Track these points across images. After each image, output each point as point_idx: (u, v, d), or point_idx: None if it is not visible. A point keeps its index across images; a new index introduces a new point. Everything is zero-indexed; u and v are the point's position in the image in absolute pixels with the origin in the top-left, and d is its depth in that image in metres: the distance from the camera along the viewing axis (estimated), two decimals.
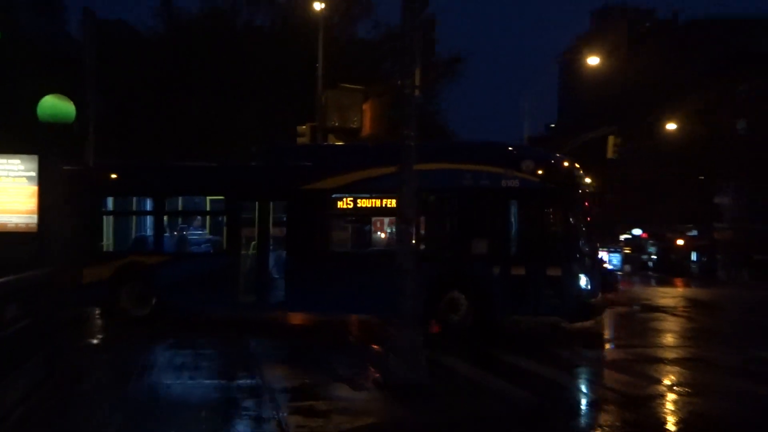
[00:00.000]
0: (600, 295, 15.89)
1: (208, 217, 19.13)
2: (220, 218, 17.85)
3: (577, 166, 15.76)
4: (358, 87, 23.40)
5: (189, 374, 11.30)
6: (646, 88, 68.79)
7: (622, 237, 60.79)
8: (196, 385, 10.46)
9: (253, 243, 16.63)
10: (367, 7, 38.28)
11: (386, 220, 16.70)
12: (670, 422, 9.51)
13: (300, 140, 23.78)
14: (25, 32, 34.48)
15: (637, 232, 61.22)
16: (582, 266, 14.84)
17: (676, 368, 12.86)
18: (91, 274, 16.51)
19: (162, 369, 11.64)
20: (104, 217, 17.76)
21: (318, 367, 11.26)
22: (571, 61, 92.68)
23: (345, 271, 15.54)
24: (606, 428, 9.32)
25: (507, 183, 14.87)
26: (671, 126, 49.55)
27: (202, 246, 18.77)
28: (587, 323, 15.89)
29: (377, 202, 16.05)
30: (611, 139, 28.10)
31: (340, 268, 15.66)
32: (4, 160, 9.86)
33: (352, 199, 16.00)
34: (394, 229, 16.21)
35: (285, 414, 8.33)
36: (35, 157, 9.66)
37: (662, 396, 10.95)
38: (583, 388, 10.91)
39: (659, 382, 11.80)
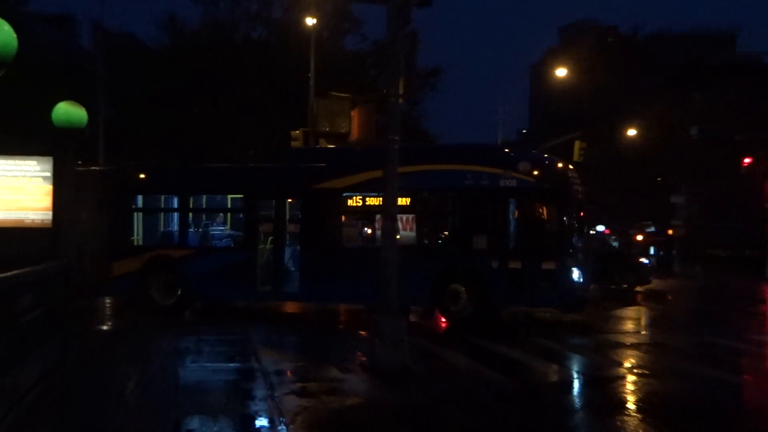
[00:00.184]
0: (590, 286, 15.95)
1: (229, 214, 19.08)
2: (240, 215, 17.82)
3: (570, 167, 15.74)
4: (347, 95, 23.31)
5: (193, 358, 11.29)
6: (609, 97, 69.04)
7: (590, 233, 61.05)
8: (198, 368, 10.46)
9: (270, 238, 16.67)
10: (355, 22, 38.32)
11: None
12: (630, 401, 9.54)
13: (293, 144, 23.76)
14: (41, 45, 34.31)
15: (600, 228, 61.41)
16: (575, 260, 14.84)
17: (636, 352, 12.92)
18: (122, 266, 16.64)
19: (168, 354, 11.62)
20: (134, 214, 17.76)
21: (310, 352, 11.24)
22: (541, 73, 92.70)
23: (354, 264, 15.41)
24: (570, 406, 9.36)
25: (505, 183, 14.86)
26: (632, 132, 49.72)
27: (224, 241, 18.72)
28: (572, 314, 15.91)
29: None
30: (577, 144, 28.14)
31: (350, 261, 15.59)
32: (21, 161, 9.78)
33: (361, 197, 16.03)
34: (398, 226, 16.57)
35: (279, 394, 8.31)
36: (50, 159, 9.59)
37: (624, 377, 11.00)
38: (553, 371, 10.92)
39: (621, 365, 11.86)
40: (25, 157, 9.81)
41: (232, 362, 10.45)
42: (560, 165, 15.52)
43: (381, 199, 15.75)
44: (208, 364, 10.66)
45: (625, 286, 24.92)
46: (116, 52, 36.35)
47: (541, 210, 15.02)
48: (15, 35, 5.79)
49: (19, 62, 6.22)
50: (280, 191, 16.66)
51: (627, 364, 11.84)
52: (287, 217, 16.69)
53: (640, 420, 8.40)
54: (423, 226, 16.02)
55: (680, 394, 10.04)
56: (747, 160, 41.43)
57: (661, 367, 11.64)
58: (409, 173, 15.50)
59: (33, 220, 9.75)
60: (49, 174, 9.65)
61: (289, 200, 16.65)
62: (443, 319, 15.54)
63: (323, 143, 23.31)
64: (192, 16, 57.75)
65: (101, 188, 17.14)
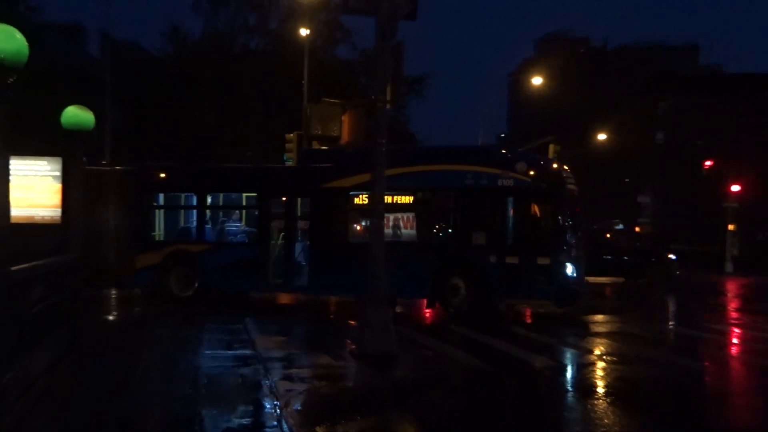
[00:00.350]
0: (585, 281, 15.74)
1: (244, 212, 19.00)
2: (254, 212, 17.67)
3: (565, 168, 15.61)
4: (338, 101, 23.39)
5: (194, 346, 11.25)
6: (581, 104, 69.34)
7: None
8: (198, 355, 10.43)
9: (282, 234, 16.56)
10: (346, 32, 38.36)
11: (396, 215, 16.47)
12: (600, 386, 9.58)
13: (288, 146, 23.74)
14: (52, 53, 34.11)
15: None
16: (569, 256, 14.67)
17: (605, 340, 12.96)
18: (144, 260, 16.60)
19: (170, 342, 11.59)
20: (155, 211, 17.75)
21: (304, 340, 11.23)
22: (518, 81, 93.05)
23: (360, 259, 15.29)
24: (544, 390, 9.38)
25: (503, 182, 14.71)
26: (602, 136, 49.97)
27: (239, 236, 18.72)
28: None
29: (389, 199, 15.78)
30: (552, 147, 28.15)
31: (355, 256, 15.35)
32: (32, 161, 9.74)
33: (367, 195, 15.88)
34: (400, 223, 16.47)
35: (275, 379, 8.29)
36: (59, 159, 9.55)
37: (593, 364, 11.03)
38: (531, 359, 10.93)
39: (592, 352, 11.89)
40: (36, 157, 9.77)
41: (230, 350, 10.42)
42: (555, 165, 15.43)
43: (386, 197, 15.84)
44: (209, 352, 10.62)
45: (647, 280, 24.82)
46: (122, 60, 36.26)
47: (537, 208, 14.88)
48: (26, 43, 5.74)
49: (31, 69, 6.17)
50: (291, 190, 16.56)
51: (597, 352, 11.87)
52: (298, 214, 16.60)
53: (608, 403, 8.45)
54: (425, 224, 15.89)
55: (646, 379, 10.09)
56: (708, 163, 41.70)
57: (629, 355, 11.69)
58: (411, 173, 15.52)
59: (43, 216, 9.71)
60: (58, 173, 9.60)
61: (300, 198, 16.54)
62: (428, 311, 15.54)
63: (316, 145, 23.31)
64: (194, 27, 57.70)
65: (125, 187, 17.11)
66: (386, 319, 9.91)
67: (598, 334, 13.67)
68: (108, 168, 17.82)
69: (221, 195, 18.65)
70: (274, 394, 7.52)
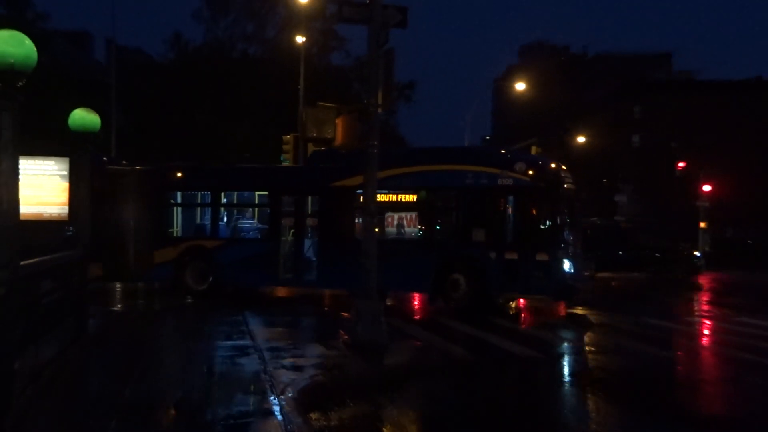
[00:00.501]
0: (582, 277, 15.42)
1: (256, 209, 18.90)
2: (265, 210, 17.57)
3: (563, 168, 15.39)
4: (332, 105, 23.36)
5: (195, 337, 11.23)
6: (562, 108, 69.45)
7: None
8: (199, 345, 10.41)
9: (292, 231, 16.44)
10: (340, 41, 38.35)
11: (400, 212, 16.41)
12: (581, 372, 9.65)
13: (285, 147, 23.72)
14: (60, 58, 33.98)
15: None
16: (565, 253, 14.40)
17: (580, 330, 13.01)
18: (161, 255, 16.58)
19: (174, 333, 11.58)
20: (172, 209, 17.69)
21: (300, 331, 11.22)
22: (503, 86, 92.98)
23: None
24: (525, 378, 9.42)
25: (502, 182, 14.51)
26: (581, 138, 50.08)
27: (251, 233, 18.62)
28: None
29: (394, 198, 15.86)
30: (534, 149, 28.15)
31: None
32: (41, 161, 9.74)
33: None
34: (404, 221, 16.35)
35: (271, 368, 8.29)
36: (67, 159, 9.56)
37: (573, 354, 11.10)
38: (514, 349, 10.96)
39: (571, 342, 11.95)
40: (44, 157, 9.77)
41: (230, 340, 10.40)
42: (553, 165, 15.15)
43: (389, 196, 15.71)
44: (210, 342, 10.59)
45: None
46: (127, 65, 36.23)
47: (535, 206, 14.59)
48: (35, 49, 5.72)
49: (40, 73, 6.15)
50: (301, 189, 16.52)
51: (577, 343, 11.92)
52: (307, 212, 16.50)
53: (585, 389, 8.49)
54: (427, 221, 15.76)
55: (623, 368, 10.16)
56: (681, 164, 41.93)
57: (607, 345, 11.75)
58: (415, 173, 15.42)
59: (51, 213, 9.71)
60: (65, 173, 9.61)
61: (309, 197, 16.43)
62: (417, 304, 15.53)
63: (311, 147, 23.29)
64: (195, 34, 57.44)
65: (144, 185, 17.08)
66: (377, 311, 9.92)
67: (583, 327, 13.63)
68: (128, 168, 17.77)
69: (235, 193, 18.48)
70: (271, 382, 7.52)
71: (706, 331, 14.36)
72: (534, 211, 14.61)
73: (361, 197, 15.54)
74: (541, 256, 14.13)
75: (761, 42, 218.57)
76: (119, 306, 15.78)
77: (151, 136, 33.76)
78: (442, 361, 9.66)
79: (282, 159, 23.81)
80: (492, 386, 8.87)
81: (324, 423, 6.65)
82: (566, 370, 10.01)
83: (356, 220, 15.89)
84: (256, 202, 18.39)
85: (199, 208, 18.37)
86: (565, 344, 11.64)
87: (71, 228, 9.61)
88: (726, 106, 56.49)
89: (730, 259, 32.26)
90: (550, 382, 9.31)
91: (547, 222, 14.46)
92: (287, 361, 8.69)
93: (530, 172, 14.42)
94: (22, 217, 5.97)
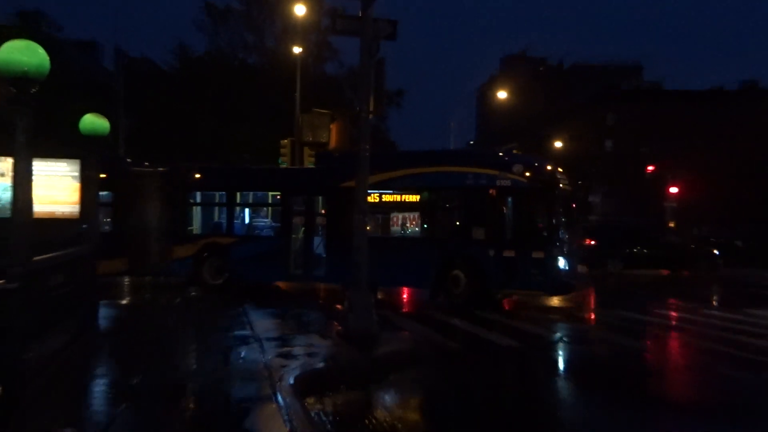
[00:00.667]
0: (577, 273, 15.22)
1: (269, 208, 18.76)
2: (277, 209, 17.43)
3: (559, 169, 15.20)
4: (327, 111, 23.37)
5: (198, 327, 11.20)
6: (540, 115, 69.74)
7: None
8: (202, 335, 10.38)
9: (302, 229, 16.32)
10: (334, 51, 38.35)
11: (403, 212, 16.25)
12: (560, 361, 9.68)
13: (282, 150, 23.67)
14: (71, 66, 33.80)
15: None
16: (561, 250, 14.21)
17: (564, 323, 13.03)
18: (180, 251, 16.52)
19: (177, 324, 11.53)
20: (190, 207, 17.60)
21: (296, 322, 11.19)
22: (486, 94, 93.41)
23: (372, 252, 15.00)
24: (505, 366, 9.44)
25: (501, 182, 14.38)
26: (558, 143, 50.26)
27: (264, 231, 18.46)
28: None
29: (397, 197, 15.69)
30: (514, 152, 28.24)
31: (368, 249, 15.16)
32: (53, 163, 9.65)
33: (378, 194, 15.55)
34: (408, 220, 16.24)
35: (269, 357, 8.27)
36: (78, 161, 9.48)
37: (554, 344, 11.13)
38: (498, 340, 10.99)
39: (553, 333, 11.99)
40: (56, 159, 9.68)
41: (232, 331, 10.36)
42: (549, 167, 14.95)
43: (393, 195, 15.61)
44: (213, 333, 10.54)
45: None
46: (134, 72, 36.00)
47: (532, 206, 14.38)
48: (48, 58, 5.70)
49: (52, 80, 6.12)
50: (310, 189, 16.36)
51: (557, 334, 11.95)
52: (316, 211, 16.34)
53: (560, 376, 8.52)
54: (429, 220, 15.57)
55: (599, 357, 10.21)
56: (650, 168, 42.15)
57: (586, 337, 11.81)
58: (417, 174, 15.32)
59: (63, 212, 9.62)
60: (77, 173, 9.53)
61: (318, 197, 16.25)
62: (406, 296, 15.50)
63: (307, 150, 23.26)
64: (198, 44, 57.20)
65: (165, 185, 16.99)
66: (368, 304, 9.91)
67: (565, 320, 13.62)
68: (151, 169, 17.72)
69: (249, 193, 18.34)
70: (270, 370, 7.50)
71: (682, 324, 14.40)
72: (531, 211, 14.42)
73: (368, 197, 15.60)
74: (538, 254, 13.96)
75: (723, 54, 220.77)
76: (127, 299, 15.69)
77: (156, 138, 33.63)
78: (428, 350, 9.67)
79: (279, 161, 23.75)
80: (473, 373, 8.92)
81: (319, 407, 6.66)
82: (543, 359, 10.03)
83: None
84: (269, 201, 18.29)
85: (216, 207, 18.26)
86: (546, 336, 11.64)
87: (84, 225, 9.54)
88: (691, 114, 56.91)
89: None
90: (526, 369, 9.35)
91: (544, 221, 14.28)
92: (284, 350, 8.66)
93: (527, 174, 14.30)
94: (35, 215, 5.94)
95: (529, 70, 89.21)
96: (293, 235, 16.32)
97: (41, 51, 5.64)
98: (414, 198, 15.56)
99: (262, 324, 10.76)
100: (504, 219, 14.56)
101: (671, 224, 35.05)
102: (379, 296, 14.66)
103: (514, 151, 26.83)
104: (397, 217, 16.53)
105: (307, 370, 7.59)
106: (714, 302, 17.51)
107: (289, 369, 7.50)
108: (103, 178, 17.08)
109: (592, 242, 25.44)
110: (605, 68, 79.44)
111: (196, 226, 17.75)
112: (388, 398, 7.52)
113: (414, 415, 6.92)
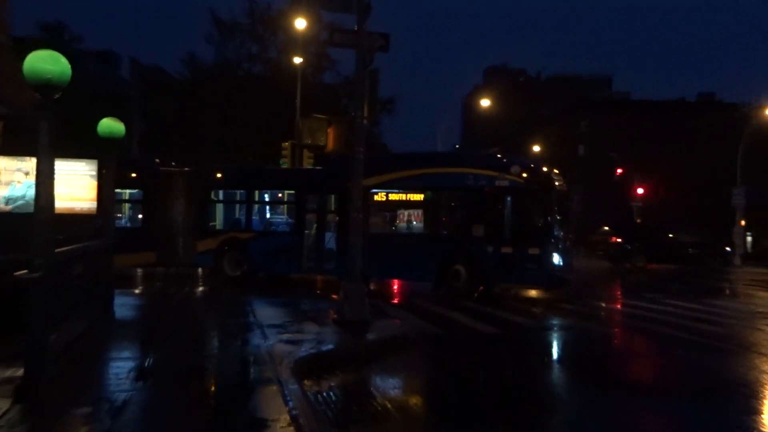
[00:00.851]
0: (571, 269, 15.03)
1: (285, 206, 18.71)
2: (292, 207, 17.35)
3: (555, 171, 15.02)
4: (324, 116, 23.35)
5: (204, 315, 11.17)
6: (520, 122, 69.88)
7: None
8: (208, 321, 10.37)
9: (315, 225, 16.26)
10: (332, 62, 38.33)
11: (408, 210, 16.15)
12: (535, 346, 9.71)
13: (284, 153, 23.63)
14: (90, 74, 33.68)
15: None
16: (556, 247, 14.01)
17: (543, 314, 13.07)
18: (203, 245, 16.58)
19: (184, 312, 11.51)
20: (213, 204, 17.59)
21: (295, 311, 11.19)
22: (470, 103, 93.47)
23: (378, 246, 14.71)
24: (485, 350, 9.47)
25: (499, 183, 14.27)
26: (536, 148, 50.35)
27: (280, 227, 18.37)
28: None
29: (403, 196, 15.66)
30: None
31: (374, 244, 14.66)
32: (73, 163, 9.64)
33: (384, 193, 15.61)
34: (412, 217, 16.17)
35: (271, 342, 8.27)
36: (95, 161, 9.46)
37: (529, 331, 11.16)
38: (479, 326, 11.03)
39: (534, 321, 12.02)
40: (76, 160, 9.66)
41: (236, 318, 10.34)
42: (545, 168, 14.78)
43: (399, 195, 15.63)
44: (220, 320, 10.55)
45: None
46: (148, 81, 35.91)
47: (528, 205, 14.18)
48: (69, 66, 5.69)
49: (73, 87, 6.12)
50: (321, 189, 16.26)
51: (536, 323, 11.98)
52: (328, 208, 16.24)
53: (545, 361, 8.57)
54: (432, 218, 15.43)
55: (571, 342, 10.25)
56: (619, 171, 42.37)
57: (563, 324, 11.86)
58: (421, 175, 15.24)
59: (81, 208, 9.60)
60: (94, 173, 9.51)
61: (329, 195, 16.13)
62: (396, 288, 15.48)
63: (306, 153, 23.24)
64: (207, 55, 56.97)
65: (189, 184, 16.98)
66: (361, 293, 9.92)
67: (547, 310, 13.56)
68: (177, 169, 17.68)
69: (266, 192, 18.30)
70: (271, 354, 7.50)
71: (638, 312, 14.47)
72: (527, 210, 14.24)
73: (375, 196, 15.58)
74: (533, 251, 13.84)
75: (684, 69, 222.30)
76: (140, 288, 15.65)
77: (167, 141, 33.56)
78: (416, 337, 9.68)
79: (281, 162, 23.71)
80: (457, 357, 8.98)
81: (316, 388, 6.67)
82: (520, 344, 10.08)
83: (370, 216, 15.57)
84: (285, 200, 18.21)
85: (236, 205, 18.20)
86: (526, 324, 11.66)
87: (100, 221, 9.50)
88: (656, 122, 57.24)
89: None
90: (504, 353, 9.40)
91: (540, 219, 14.11)
92: (284, 336, 8.67)
93: (524, 175, 14.18)
94: (57, 211, 5.93)
95: (509, 80, 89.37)
96: (306, 231, 16.26)
97: (63, 60, 5.63)
98: (418, 197, 15.47)
99: (265, 312, 10.76)
100: (502, 217, 14.41)
101: (638, 221, 35.18)
102: (372, 287, 14.68)
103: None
104: (403, 215, 16.43)
105: (305, 354, 7.59)
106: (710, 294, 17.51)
107: (288, 353, 7.50)
108: (134, 177, 17.34)
109: (618, 240, 25.76)
110: (579, 80, 79.75)
111: (218, 222, 17.73)
112: (380, 379, 7.55)
113: (403, 394, 6.95)
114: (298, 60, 28.35)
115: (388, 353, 8.51)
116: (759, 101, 32.85)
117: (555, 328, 11.54)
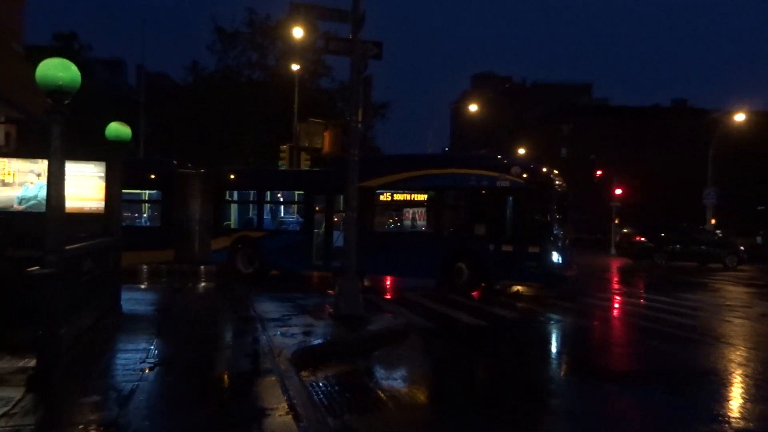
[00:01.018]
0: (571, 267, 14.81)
1: (295, 206, 18.75)
2: (302, 206, 17.21)
3: (555, 171, 14.85)
4: (321, 121, 23.31)
5: (207, 309, 11.14)
6: (505, 126, 69.95)
7: None
8: (211, 315, 10.36)
9: (322, 224, 16.15)
10: (328, 69, 38.37)
11: (413, 209, 16.03)
12: (517, 337, 9.74)
13: (282, 155, 23.58)
14: (99, 81, 33.49)
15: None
16: (555, 245, 13.83)
17: (531, 309, 13.09)
18: (218, 243, 16.55)
19: (186, 306, 11.48)
20: (227, 204, 17.47)
21: (293, 305, 11.18)
22: (459, 108, 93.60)
23: (384, 244, 14.82)
24: (474, 340, 9.50)
25: (501, 183, 14.15)
26: (521, 150, 50.45)
27: (291, 226, 18.27)
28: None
29: (407, 196, 15.57)
30: None
31: (380, 242, 14.95)
32: (83, 165, 9.61)
33: (390, 193, 15.51)
34: (416, 216, 16.06)
35: (270, 334, 8.27)
36: (104, 163, 9.42)
37: (513, 324, 11.19)
38: (467, 319, 11.05)
39: (521, 314, 12.05)
40: (85, 161, 9.63)
41: (238, 312, 10.34)
42: (545, 169, 14.62)
43: (404, 195, 15.54)
44: (222, 314, 10.53)
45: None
46: (154, 87, 35.87)
47: (528, 205, 13.99)
48: (79, 73, 5.68)
49: (83, 93, 6.11)
50: (330, 189, 16.06)
51: (522, 315, 12.00)
52: (334, 209, 16.08)
53: (530, 349, 8.59)
54: (435, 217, 15.30)
55: (548, 334, 10.28)
56: (598, 172, 42.58)
57: (547, 317, 11.89)
58: (425, 176, 15.15)
59: (90, 207, 9.56)
60: (102, 174, 9.47)
61: (337, 196, 15.88)
62: (389, 284, 15.47)
63: (304, 155, 23.20)
64: (209, 62, 56.87)
65: (204, 185, 16.89)
66: (356, 289, 9.91)
67: (536, 305, 13.50)
68: (193, 171, 17.61)
69: (277, 192, 18.22)
70: (269, 346, 7.51)
71: (617, 305, 14.54)
72: (528, 209, 14.07)
73: (381, 196, 15.48)
74: (533, 249, 13.70)
75: (659, 77, 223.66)
76: (146, 284, 15.60)
77: (172, 144, 33.51)
78: (407, 329, 9.70)
79: (279, 164, 23.67)
80: (446, 347, 9.00)
81: (313, 379, 6.68)
82: (505, 335, 10.12)
83: (376, 215, 15.54)
84: (295, 200, 18.04)
85: (248, 205, 18.07)
86: (510, 317, 11.69)
87: (108, 221, 9.46)
88: (632, 126, 57.62)
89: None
90: (489, 343, 9.43)
91: (539, 219, 13.93)
92: (282, 329, 8.67)
93: (524, 175, 14.05)
94: (67, 211, 5.91)
95: (496, 87, 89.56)
96: (315, 230, 16.17)
97: (74, 67, 5.62)
98: (422, 197, 15.38)
99: (266, 306, 10.75)
100: (503, 216, 14.26)
101: (616, 221, 35.36)
102: (366, 283, 14.67)
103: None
104: (408, 214, 16.32)
105: (302, 346, 7.59)
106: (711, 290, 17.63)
107: (286, 345, 7.51)
108: (152, 178, 17.28)
109: (642, 239, 26.00)
110: (561, 87, 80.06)
111: (232, 221, 17.63)
112: (373, 370, 7.57)
113: (395, 384, 6.96)
114: (295, 67, 28.35)
115: (380, 345, 8.52)
116: (728, 107, 33.15)
117: (538, 322, 11.55)
